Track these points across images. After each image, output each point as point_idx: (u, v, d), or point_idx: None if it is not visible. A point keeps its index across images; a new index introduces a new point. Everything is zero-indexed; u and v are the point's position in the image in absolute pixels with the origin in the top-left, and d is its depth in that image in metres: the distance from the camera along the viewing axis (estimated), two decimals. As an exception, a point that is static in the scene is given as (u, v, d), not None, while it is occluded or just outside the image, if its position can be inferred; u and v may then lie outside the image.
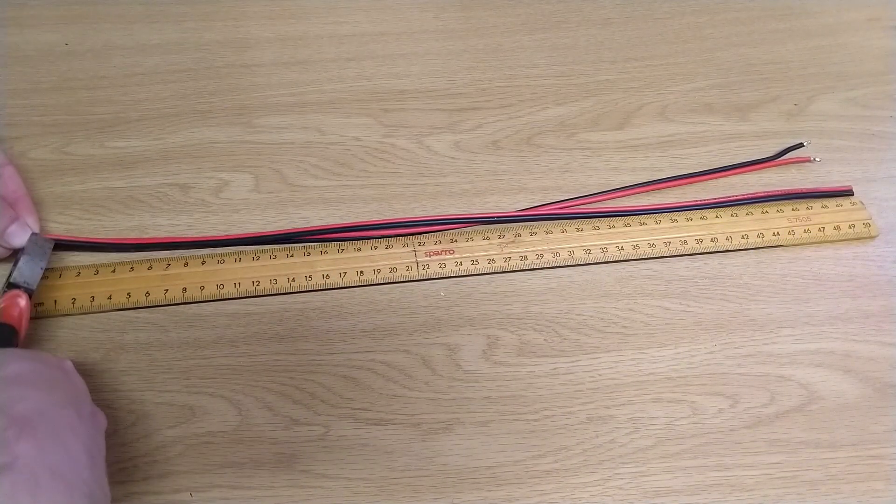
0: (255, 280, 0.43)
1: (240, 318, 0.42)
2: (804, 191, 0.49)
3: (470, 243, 0.45)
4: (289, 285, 0.43)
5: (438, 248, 0.45)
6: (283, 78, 0.54)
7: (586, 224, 0.46)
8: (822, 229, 0.47)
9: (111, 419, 0.36)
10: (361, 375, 0.40)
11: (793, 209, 0.47)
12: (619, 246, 0.45)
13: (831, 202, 0.48)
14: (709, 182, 0.49)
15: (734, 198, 0.48)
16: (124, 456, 0.37)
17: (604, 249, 0.45)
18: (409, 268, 0.44)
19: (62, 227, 0.44)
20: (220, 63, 0.54)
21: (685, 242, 0.46)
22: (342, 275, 0.43)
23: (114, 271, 0.42)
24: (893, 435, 0.39)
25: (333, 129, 0.51)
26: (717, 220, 0.47)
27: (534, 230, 0.46)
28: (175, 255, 0.44)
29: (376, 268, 0.44)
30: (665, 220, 0.47)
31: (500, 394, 0.40)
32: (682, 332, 0.42)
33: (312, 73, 0.54)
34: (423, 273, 0.44)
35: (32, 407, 0.30)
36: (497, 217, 0.46)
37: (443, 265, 0.44)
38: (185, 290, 0.42)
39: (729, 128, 0.53)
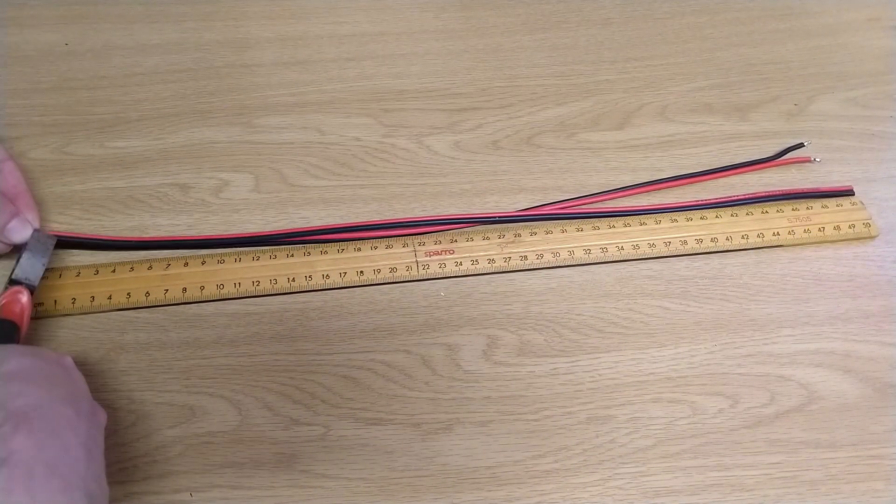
0: (255, 280, 0.43)
1: (240, 318, 0.42)
2: (804, 191, 0.49)
3: (470, 243, 0.45)
4: (289, 285, 0.43)
5: (438, 248, 0.45)
6: (283, 78, 0.54)
7: (586, 224, 0.46)
8: (822, 229, 0.47)
9: (111, 419, 0.36)
10: (361, 375, 0.40)
11: (793, 209, 0.47)
12: (619, 246, 0.45)
13: (831, 202, 0.48)
14: (709, 182, 0.49)
15: (734, 198, 0.48)
16: (124, 456, 0.37)
17: (604, 249, 0.45)
18: (409, 268, 0.44)
19: (62, 227, 0.44)
20: (220, 63, 0.54)
21: (685, 242, 0.46)
22: (342, 275, 0.43)
23: (114, 271, 0.42)
24: (893, 435, 0.39)
25: (333, 129, 0.51)
26: (717, 220, 0.47)
27: (534, 230, 0.46)
28: (175, 255, 0.44)
29: (376, 268, 0.44)
30: (665, 220, 0.47)
31: (500, 394, 0.40)
32: (682, 332, 0.42)
33: (312, 73, 0.54)
34: (423, 273, 0.44)
35: (30, 403, 0.30)
36: (497, 217, 0.46)
37: (443, 265, 0.44)
38: (185, 290, 0.42)
39: (729, 128, 0.53)
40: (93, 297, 0.41)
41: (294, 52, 0.56)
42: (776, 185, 0.49)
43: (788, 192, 0.48)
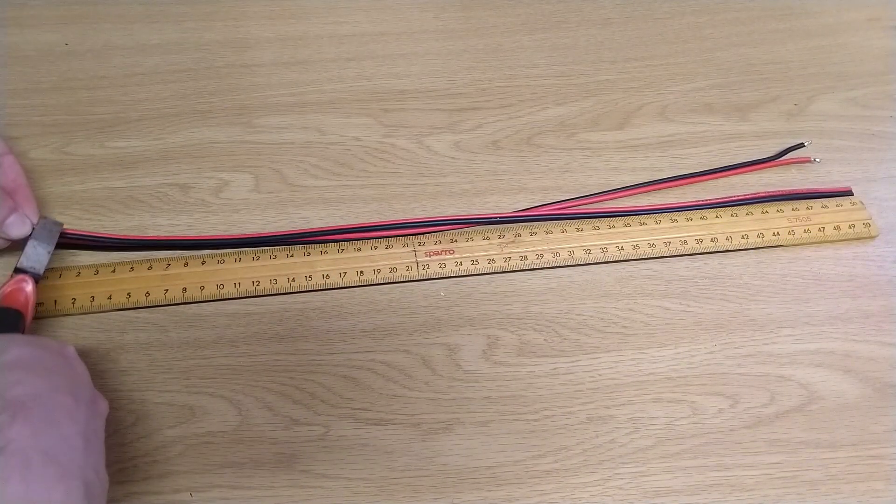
0: (255, 280, 0.43)
1: (240, 318, 0.42)
2: (804, 191, 0.49)
3: (470, 243, 0.45)
4: (289, 285, 0.43)
5: (438, 248, 0.45)
6: (283, 78, 0.54)
7: (586, 224, 0.46)
8: (822, 229, 0.47)
9: (111, 419, 0.36)
10: (361, 375, 0.40)
11: (793, 209, 0.47)
12: (619, 246, 0.45)
13: (831, 202, 0.48)
14: (709, 182, 0.49)
15: (734, 198, 0.48)
16: (124, 456, 0.37)
17: (604, 249, 0.45)
18: (409, 268, 0.44)
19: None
20: (220, 63, 0.54)
21: (685, 242, 0.46)
22: (342, 275, 0.43)
23: (114, 271, 0.42)
24: (893, 435, 0.39)
25: (333, 129, 0.51)
26: (717, 220, 0.47)
27: (534, 230, 0.46)
28: (175, 255, 0.44)
29: (376, 268, 0.44)
30: (665, 220, 0.47)
31: (500, 394, 0.40)
32: (682, 332, 0.42)
33: (312, 73, 0.54)
34: (423, 273, 0.44)
35: (28, 391, 0.30)
36: (497, 217, 0.46)
37: (443, 265, 0.44)
38: (185, 290, 0.42)
39: (729, 128, 0.53)
40: (93, 297, 0.41)
41: (294, 52, 0.56)
42: (776, 185, 0.49)
43: (788, 192, 0.48)
